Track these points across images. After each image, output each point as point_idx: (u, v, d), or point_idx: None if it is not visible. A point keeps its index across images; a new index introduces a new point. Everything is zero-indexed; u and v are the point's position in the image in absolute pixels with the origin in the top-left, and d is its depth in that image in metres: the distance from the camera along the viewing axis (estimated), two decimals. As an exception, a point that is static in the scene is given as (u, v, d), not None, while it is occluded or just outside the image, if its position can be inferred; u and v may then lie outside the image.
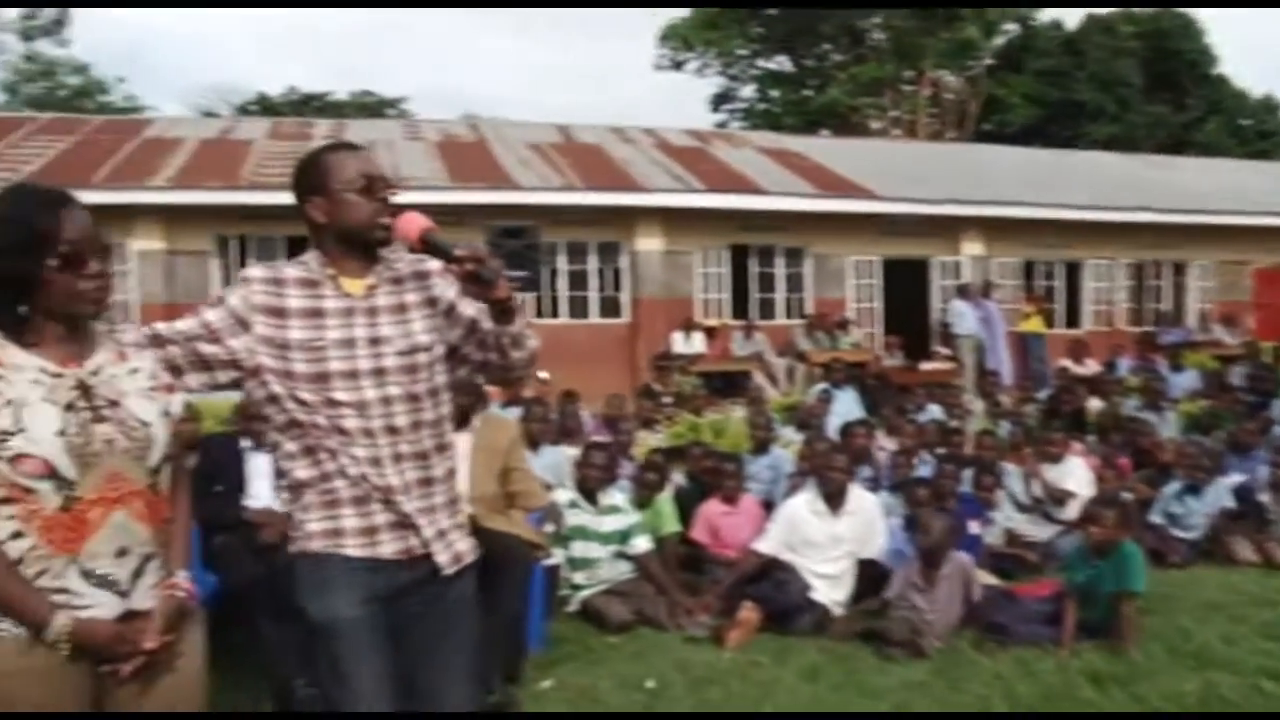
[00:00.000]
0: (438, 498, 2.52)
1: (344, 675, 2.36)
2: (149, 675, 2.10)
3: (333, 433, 2.40)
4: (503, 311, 2.45)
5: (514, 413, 7.17)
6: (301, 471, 2.44)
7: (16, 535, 1.98)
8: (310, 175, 2.51)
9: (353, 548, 2.41)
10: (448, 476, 2.58)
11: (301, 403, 2.40)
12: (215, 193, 13.75)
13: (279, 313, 2.43)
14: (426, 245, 2.41)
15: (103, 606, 2.03)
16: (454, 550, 2.52)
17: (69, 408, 2.02)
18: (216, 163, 15.28)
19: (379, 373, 2.44)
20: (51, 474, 1.98)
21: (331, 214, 2.47)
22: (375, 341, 2.45)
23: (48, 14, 38.27)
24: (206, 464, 4.98)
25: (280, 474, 2.53)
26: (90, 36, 63.33)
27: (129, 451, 2.07)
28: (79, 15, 43.56)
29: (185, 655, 2.18)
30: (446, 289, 2.57)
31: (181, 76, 68.49)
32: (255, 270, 2.52)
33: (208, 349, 2.40)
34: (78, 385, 2.06)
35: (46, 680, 1.98)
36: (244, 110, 36.87)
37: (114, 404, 2.09)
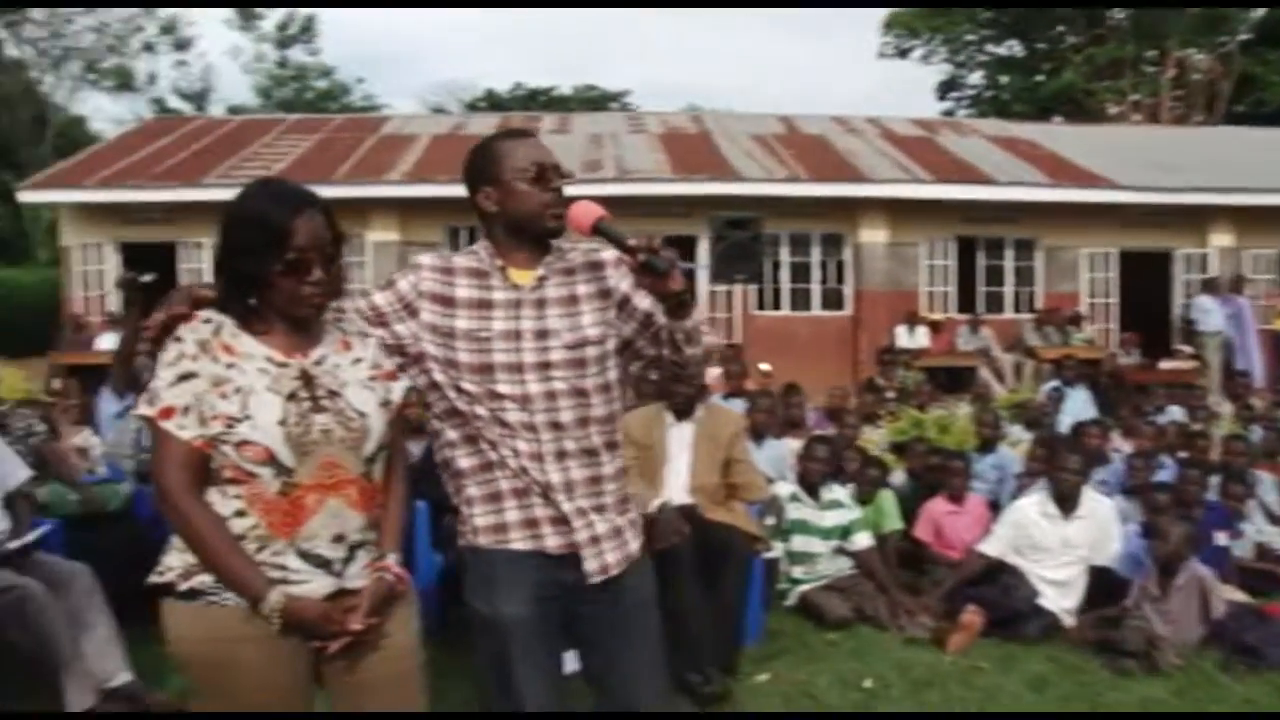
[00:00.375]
0: (607, 496, 2.46)
1: (508, 675, 2.36)
2: (357, 652, 2.16)
3: (494, 424, 2.37)
4: (677, 305, 2.37)
5: (736, 404, 7.21)
6: (463, 460, 2.42)
7: (240, 514, 2.09)
8: (481, 164, 2.46)
9: (517, 541, 2.39)
10: (618, 475, 2.52)
11: (463, 392, 2.38)
12: (447, 186, 14.34)
13: (447, 301, 2.41)
14: (599, 234, 2.35)
15: (316, 583, 2.11)
16: (603, 560, 2.42)
17: (291, 397, 2.10)
18: (448, 157, 15.91)
19: (544, 366, 2.39)
20: (271, 460, 2.07)
21: (502, 203, 2.42)
22: (542, 334, 2.40)
23: (299, 22, 40.83)
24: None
25: (443, 463, 2.50)
26: (334, 42, 67.09)
27: (345, 441, 2.14)
28: (326, 22, 46.16)
29: (393, 635, 2.23)
30: (620, 280, 2.50)
31: (414, 76, 71.62)
32: (426, 258, 2.50)
33: (374, 333, 2.38)
34: (300, 375, 2.14)
35: (268, 646, 2.08)
36: (472, 106, 38.30)
37: (334, 394, 2.16)
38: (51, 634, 3.94)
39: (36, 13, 34.30)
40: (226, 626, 2.07)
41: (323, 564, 2.12)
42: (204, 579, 2.08)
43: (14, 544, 4.29)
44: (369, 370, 2.25)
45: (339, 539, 2.13)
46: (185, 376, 2.07)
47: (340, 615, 2.11)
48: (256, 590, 2.05)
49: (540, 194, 2.40)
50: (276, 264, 2.07)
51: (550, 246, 2.49)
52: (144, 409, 2.09)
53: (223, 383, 2.07)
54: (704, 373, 3.06)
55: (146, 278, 5.99)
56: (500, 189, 2.41)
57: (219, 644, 2.08)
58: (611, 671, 2.48)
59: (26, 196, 16.83)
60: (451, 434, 2.43)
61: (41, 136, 34.40)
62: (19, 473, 4.61)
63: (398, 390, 2.31)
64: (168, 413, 2.06)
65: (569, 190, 2.48)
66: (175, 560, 2.13)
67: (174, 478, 2.07)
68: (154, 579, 2.14)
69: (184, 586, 2.09)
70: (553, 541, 2.39)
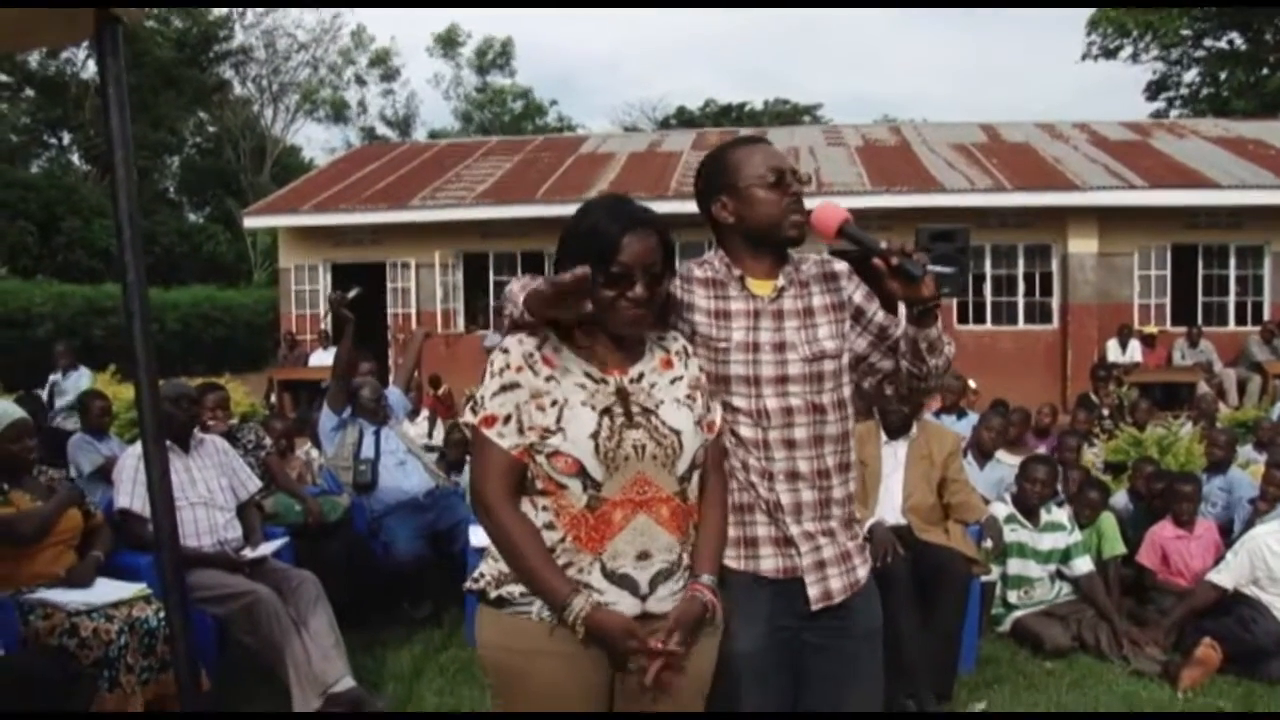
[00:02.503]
0: (835, 521, 2.35)
1: (737, 703, 2.27)
2: (659, 682, 2.09)
3: (724, 436, 2.30)
4: (924, 312, 2.28)
5: (948, 421, 6.99)
6: None
7: (549, 527, 2.10)
8: (716, 173, 2.37)
9: (730, 559, 2.29)
10: (848, 499, 2.40)
11: None
12: (647, 202, 14.52)
13: (687, 307, 2.34)
14: (846, 238, 2.27)
15: (621, 605, 2.08)
16: (826, 586, 2.31)
17: (605, 412, 2.09)
18: (646, 174, 16.15)
19: (781, 380, 2.31)
20: (580, 472, 2.06)
21: (740, 212, 2.33)
22: (780, 347, 2.32)
23: (497, 47, 42.35)
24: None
25: None
26: (528, 64, 69.13)
27: (657, 458, 2.10)
28: (521, 45, 47.71)
29: (693, 663, 2.15)
30: (854, 292, 2.43)
31: (605, 96, 73.13)
32: None
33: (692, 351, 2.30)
34: (617, 391, 2.13)
35: (566, 662, 2.08)
36: (664, 124, 38.77)
37: (648, 412, 2.13)
38: (280, 638, 4.12)
39: (260, 50, 36.72)
40: (528, 637, 2.09)
41: (628, 584, 2.09)
42: (513, 588, 2.11)
43: (253, 553, 4.52)
44: (687, 389, 2.21)
45: (644, 556, 2.10)
46: (508, 387, 2.11)
47: (644, 634, 2.05)
48: (564, 596, 2.04)
49: (780, 199, 2.31)
50: (600, 275, 2.06)
51: (787, 256, 2.41)
52: (468, 416, 2.15)
53: (541, 395, 2.09)
54: (942, 384, 2.96)
55: (353, 293, 6.28)
56: (737, 198, 2.33)
57: (518, 654, 2.11)
58: (827, 705, 2.37)
59: (250, 222, 17.99)
60: None
61: (260, 166, 36.73)
62: (249, 484, 4.87)
63: (717, 409, 2.27)
64: (490, 421, 2.11)
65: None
66: (488, 568, 2.17)
67: (492, 485, 2.12)
68: (468, 585, 2.19)
69: (494, 594, 2.13)
70: (769, 564, 2.30)
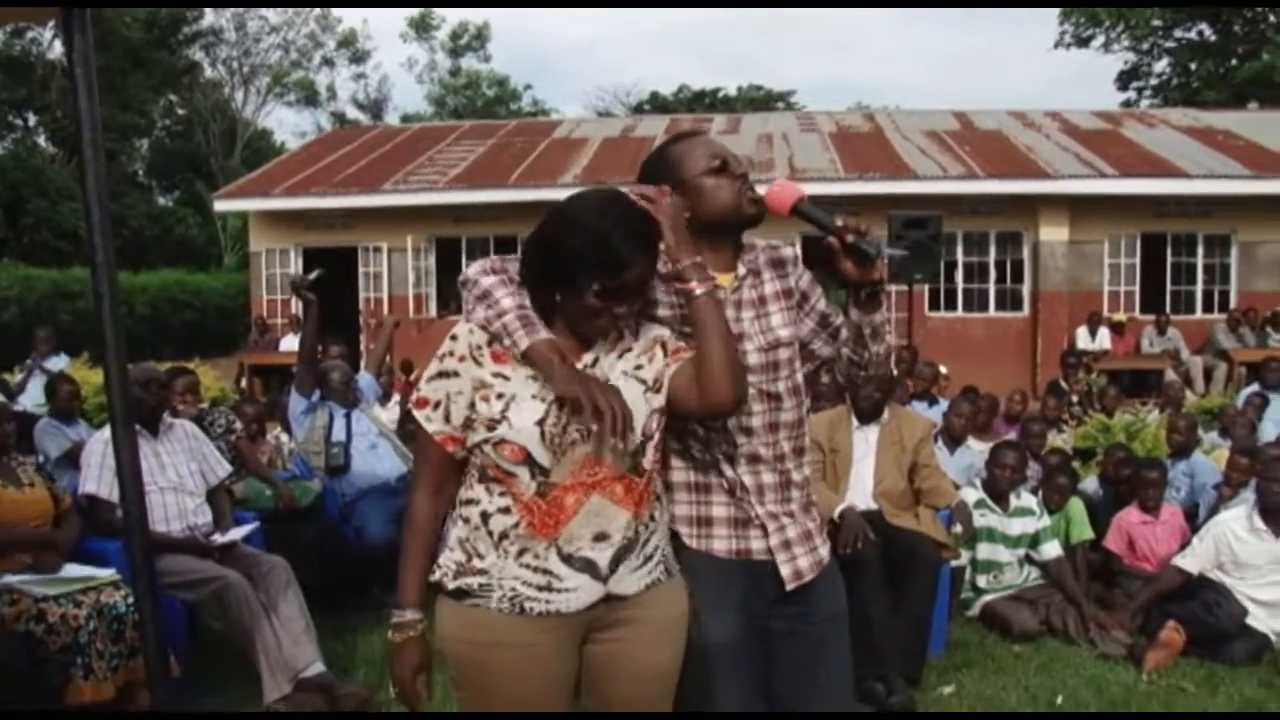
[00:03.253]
0: (794, 504, 2.37)
1: (710, 694, 2.26)
2: (631, 671, 2.17)
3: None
4: (870, 296, 2.28)
5: (920, 408, 7.03)
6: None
7: (505, 511, 2.08)
8: (660, 172, 2.32)
9: (685, 536, 2.30)
10: (805, 482, 2.41)
11: None
12: (621, 188, 14.53)
13: (650, 303, 2.29)
14: (800, 215, 2.24)
15: (582, 590, 2.07)
16: (796, 565, 2.33)
17: (557, 400, 2.05)
18: (619, 159, 16.11)
19: None
20: (527, 459, 2.04)
21: (693, 204, 2.26)
22: (737, 338, 2.29)
23: (472, 31, 42.09)
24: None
25: None
26: (501, 49, 68.80)
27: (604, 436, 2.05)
28: (495, 29, 47.48)
29: (658, 658, 2.19)
30: (801, 278, 2.43)
31: (579, 81, 72.87)
32: None
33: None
34: None
35: (526, 652, 2.08)
36: (638, 109, 38.71)
37: None
38: (250, 623, 4.11)
39: (230, 33, 36.35)
40: (486, 629, 2.08)
41: (588, 568, 2.08)
42: (471, 580, 2.10)
43: (223, 538, 4.50)
44: (637, 357, 2.17)
45: (601, 537, 2.08)
46: (444, 374, 2.10)
47: (412, 691, 2.14)
48: (399, 602, 2.14)
49: (729, 183, 2.28)
50: (598, 284, 2.04)
51: (743, 245, 2.39)
52: (413, 396, 2.17)
53: (486, 386, 2.07)
54: (885, 373, 2.82)
55: (314, 275, 6.23)
56: (686, 191, 2.26)
57: (478, 645, 2.10)
58: (799, 690, 2.38)
59: (220, 206, 17.84)
60: None
61: (231, 149, 36.41)
62: (219, 469, 4.84)
63: (681, 344, 2.21)
64: (422, 403, 2.12)
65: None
66: (446, 559, 2.16)
67: (419, 470, 2.18)
68: (431, 576, 2.17)
69: (451, 585, 2.12)
70: (722, 545, 2.30)
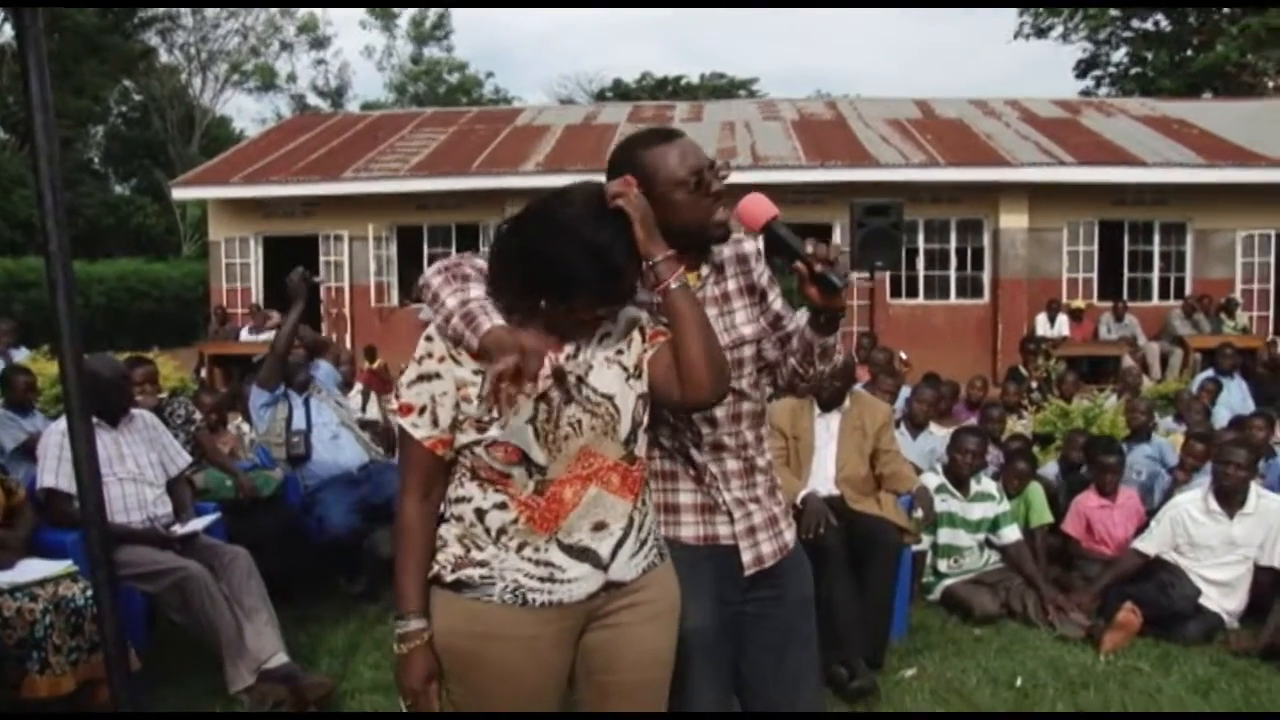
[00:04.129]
0: (759, 489, 2.39)
1: (684, 680, 2.26)
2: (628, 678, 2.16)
3: None
4: (829, 321, 2.23)
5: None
6: None
7: (501, 506, 2.06)
8: (631, 175, 2.18)
9: (667, 524, 2.30)
10: (769, 467, 2.44)
11: None
12: (583, 175, 14.48)
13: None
14: (770, 235, 2.17)
15: (584, 579, 2.07)
16: (758, 551, 2.35)
17: (542, 398, 2.02)
18: (581, 147, 16.07)
19: None
20: (523, 459, 2.02)
21: (660, 216, 2.12)
22: None
23: (433, 18, 41.76)
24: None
25: None
26: (463, 35, 68.42)
27: (596, 429, 2.06)
28: (457, 16, 47.14)
29: (653, 642, 2.18)
30: (762, 275, 2.41)
31: (542, 69, 72.55)
32: None
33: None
34: (554, 373, 2.05)
35: (521, 645, 2.06)
36: (600, 97, 38.61)
37: (580, 381, 2.07)
38: (212, 615, 4.07)
39: (186, 18, 35.83)
40: (482, 622, 2.06)
41: (589, 557, 2.07)
42: (471, 572, 2.07)
43: (182, 529, 4.45)
44: (617, 341, 2.13)
45: (600, 527, 2.08)
46: (425, 377, 2.05)
47: (426, 701, 2.07)
48: (401, 610, 2.08)
49: (700, 202, 2.19)
50: (587, 292, 2.00)
51: (710, 249, 2.34)
52: (393, 402, 2.12)
53: (468, 386, 2.03)
54: (833, 386, 2.88)
55: (318, 279, 6.12)
56: (655, 202, 2.10)
57: (471, 638, 2.07)
58: (766, 675, 2.39)
59: (178, 194, 17.64)
60: None
61: (190, 137, 35.95)
62: (179, 459, 4.79)
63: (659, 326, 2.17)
64: (406, 410, 2.07)
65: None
66: (444, 555, 2.12)
67: (407, 476, 2.11)
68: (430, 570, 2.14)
69: (450, 578, 2.09)
70: (690, 531, 2.31)
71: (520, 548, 2.06)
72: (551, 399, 2.04)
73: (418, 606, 2.08)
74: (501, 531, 2.06)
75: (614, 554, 2.10)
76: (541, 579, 2.06)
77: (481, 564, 2.07)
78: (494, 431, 2.01)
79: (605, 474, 2.08)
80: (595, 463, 2.07)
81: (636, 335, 2.16)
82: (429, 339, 2.07)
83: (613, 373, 2.10)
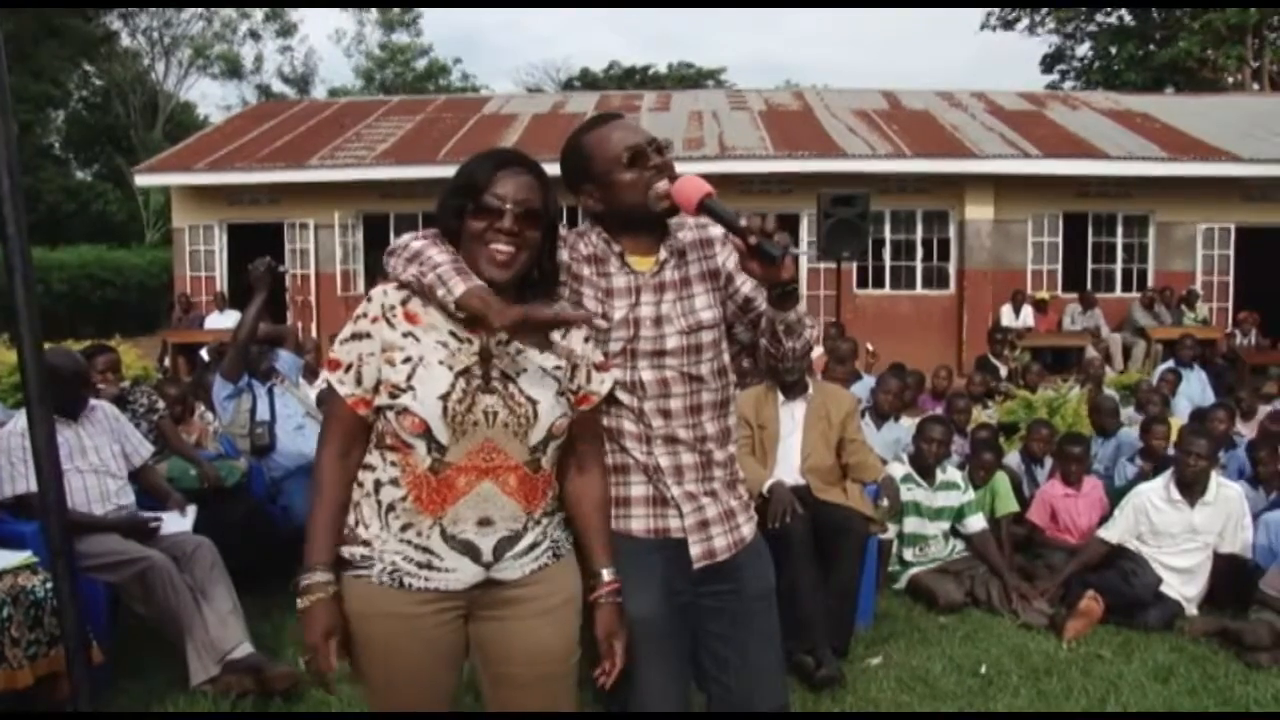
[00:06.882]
0: (717, 483, 2.35)
1: (632, 679, 2.24)
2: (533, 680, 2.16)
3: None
4: (783, 294, 2.22)
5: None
6: None
7: (394, 482, 2.06)
8: (574, 164, 2.29)
9: (620, 519, 2.29)
10: (729, 461, 2.40)
11: None
12: (548, 164, 14.46)
13: (574, 278, 2.28)
14: (706, 212, 2.17)
15: (462, 572, 2.06)
16: (710, 545, 2.31)
17: (464, 373, 2.03)
18: (549, 136, 16.00)
19: (659, 354, 2.27)
20: (426, 433, 2.01)
21: (605, 199, 2.25)
22: (658, 321, 2.28)
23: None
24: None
25: None
26: (431, 23, 68.01)
27: (509, 426, 2.05)
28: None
29: (550, 641, 2.17)
30: (728, 259, 2.38)
31: (510, 56, 72.21)
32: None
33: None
34: (479, 352, 2.06)
35: (408, 624, 2.06)
36: (568, 85, 38.52)
37: (507, 378, 2.06)
38: (176, 605, 4.03)
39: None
40: (365, 600, 2.06)
41: (469, 550, 2.06)
42: (354, 550, 2.07)
43: (167, 530, 4.41)
44: (558, 359, 2.13)
45: (486, 523, 2.06)
46: (357, 336, 2.06)
47: (323, 656, 2.03)
48: (309, 565, 2.05)
49: (641, 177, 2.22)
50: (470, 207, 2.04)
51: (667, 228, 2.35)
52: (328, 356, 2.13)
53: (393, 349, 2.03)
54: (803, 366, 2.88)
55: (281, 268, 6.04)
56: (600, 185, 2.24)
57: (358, 617, 2.07)
58: (729, 667, 2.37)
59: (141, 180, 17.41)
60: None
61: (153, 122, 35.50)
62: (142, 449, 4.74)
63: (606, 381, 2.21)
64: (334, 365, 2.08)
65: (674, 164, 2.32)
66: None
67: (326, 430, 2.12)
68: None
69: (344, 553, 2.09)
70: (640, 524, 2.29)
71: (404, 529, 2.06)
72: (472, 377, 2.04)
73: (324, 559, 2.06)
74: (390, 509, 2.06)
75: (496, 552, 2.08)
76: (420, 564, 2.06)
77: (365, 543, 2.08)
78: (406, 399, 2.01)
79: (503, 473, 2.06)
80: (496, 459, 2.05)
81: (580, 367, 2.16)
82: (369, 299, 2.08)
83: (546, 385, 2.10)
